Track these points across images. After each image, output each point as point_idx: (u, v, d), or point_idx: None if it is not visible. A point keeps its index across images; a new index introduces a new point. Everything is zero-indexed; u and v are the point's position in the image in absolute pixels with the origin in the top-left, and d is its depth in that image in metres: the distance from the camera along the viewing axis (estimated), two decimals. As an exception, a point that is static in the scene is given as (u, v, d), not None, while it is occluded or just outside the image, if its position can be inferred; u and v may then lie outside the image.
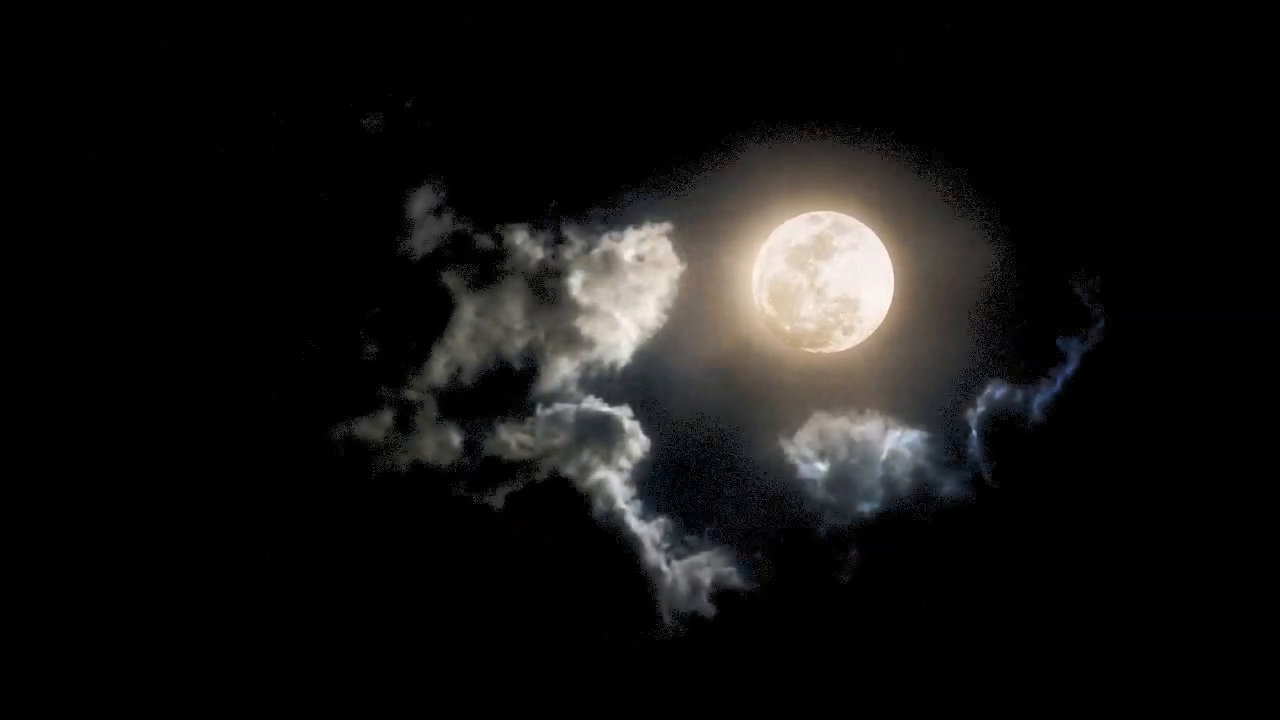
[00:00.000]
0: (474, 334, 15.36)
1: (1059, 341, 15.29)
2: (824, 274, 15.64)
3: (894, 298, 15.66)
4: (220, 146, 15.15)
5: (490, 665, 15.00)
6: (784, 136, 15.55)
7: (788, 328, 15.63)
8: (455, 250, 15.27)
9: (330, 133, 15.18)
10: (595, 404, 15.51)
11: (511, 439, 15.31)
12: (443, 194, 15.23)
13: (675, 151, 15.59)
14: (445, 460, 15.22)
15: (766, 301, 15.72)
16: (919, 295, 15.64)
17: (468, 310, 15.34)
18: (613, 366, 15.56)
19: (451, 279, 15.29)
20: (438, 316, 15.29)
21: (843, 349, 15.73)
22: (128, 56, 15.07)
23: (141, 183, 15.12)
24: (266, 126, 15.17)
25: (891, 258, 15.66)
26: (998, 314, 15.48)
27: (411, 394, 15.22)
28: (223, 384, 15.07)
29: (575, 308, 15.40)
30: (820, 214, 15.78)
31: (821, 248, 15.68)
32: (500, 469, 15.22)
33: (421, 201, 15.22)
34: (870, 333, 15.68)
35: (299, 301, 15.19)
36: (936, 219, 15.53)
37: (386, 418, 15.17)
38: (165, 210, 15.13)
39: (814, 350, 15.72)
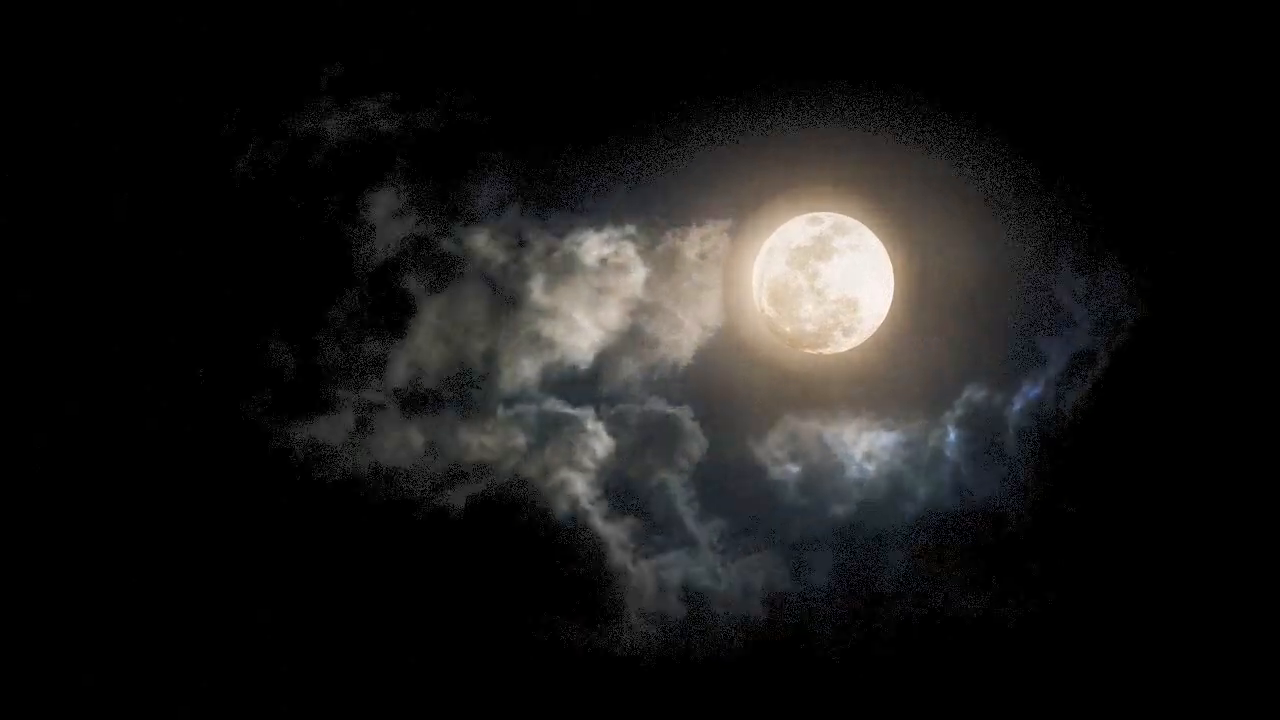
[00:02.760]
0: (435, 335, 15.42)
1: (1056, 342, 15.29)
2: (824, 275, 15.62)
3: (894, 299, 15.63)
4: (183, 152, 15.13)
5: (451, 668, 15.05)
6: (785, 137, 15.52)
7: (788, 329, 15.67)
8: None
9: (293, 135, 15.19)
10: (558, 405, 15.59)
11: (473, 440, 15.39)
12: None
13: (676, 151, 15.60)
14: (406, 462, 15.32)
15: (766, 302, 15.76)
16: (920, 296, 15.62)
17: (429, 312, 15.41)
18: (575, 367, 15.61)
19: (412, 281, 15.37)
20: (399, 318, 15.36)
21: (842, 350, 15.75)
22: (89, 64, 15.07)
23: (103, 185, 15.13)
24: (226, 132, 15.13)
25: (892, 259, 15.62)
26: (997, 315, 15.48)
27: (372, 396, 15.28)
28: (182, 387, 15.03)
29: (536, 308, 15.45)
30: (821, 215, 15.75)
31: (822, 249, 15.66)
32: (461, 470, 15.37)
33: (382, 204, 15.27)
34: (870, 334, 15.68)
35: (260, 303, 15.19)
36: (937, 220, 15.48)
37: (348, 419, 15.25)
38: (128, 213, 15.13)
39: (813, 351, 15.76)
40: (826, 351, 15.73)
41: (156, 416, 14.99)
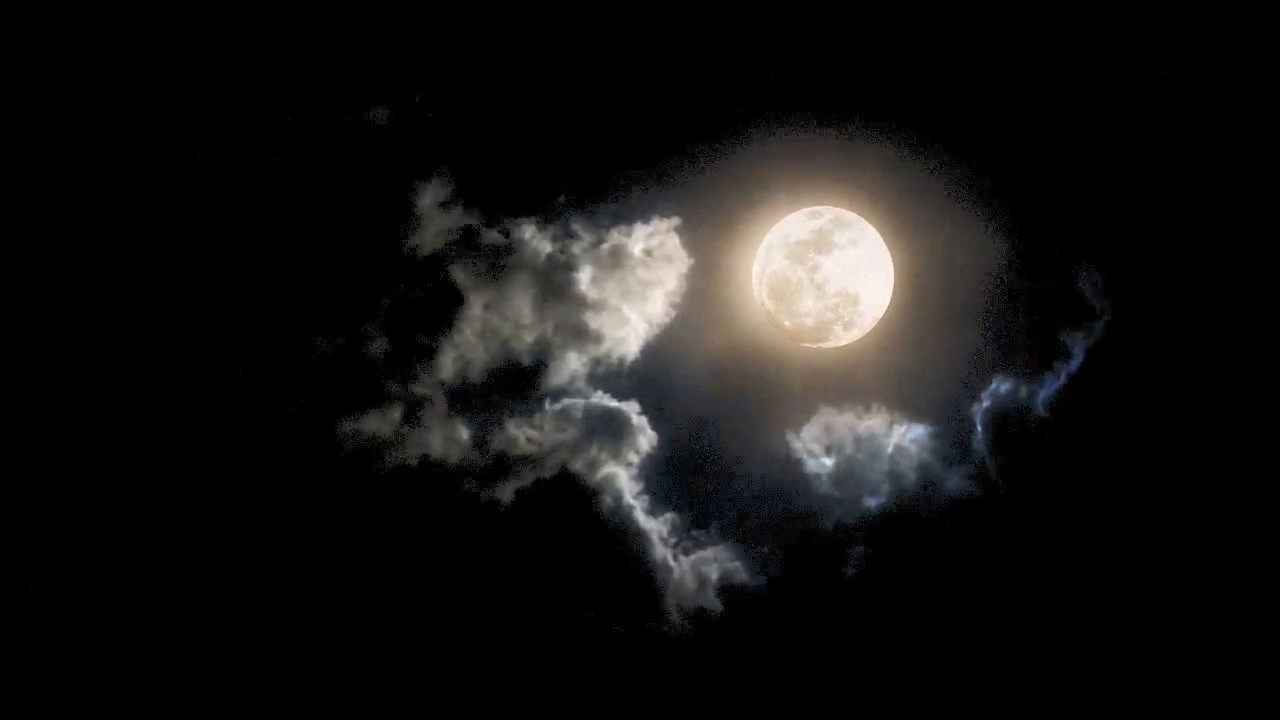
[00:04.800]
0: (483, 328, 15.53)
1: (1061, 336, 15.15)
2: (824, 269, 15.61)
3: (894, 293, 15.57)
4: (229, 142, 15.24)
5: (497, 661, 15.23)
6: (784, 131, 15.46)
7: (788, 323, 15.72)
8: (464, 244, 15.41)
9: (339, 126, 15.27)
10: (603, 399, 15.70)
11: (520, 434, 15.54)
12: (450, 187, 15.34)
13: (675, 147, 15.60)
14: (453, 455, 15.45)
15: (767, 297, 15.82)
16: (919, 290, 15.57)
17: (476, 305, 15.51)
18: (621, 361, 15.71)
19: (460, 273, 15.48)
20: (446, 311, 15.44)
21: (843, 344, 15.77)
22: (130, 54, 15.15)
23: (148, 180, 15.21)
24: (276, 121, 15.28)
25: (892, 253, 15.55)
26: (998, 309, 15.43)
27: (420, 389, 15.41)
28: (231, 380, 15.20)
29: (583, 302, 15.54)
30: (820, 209, 15.71)
31: (822, 243, 15.63)
32: (508, 464, 15.47)
33: (429, 195, 15.35)
34: (870, 328, 15.66)
35: (308, 296, 15.31)
36: (937, 214, 15.43)
37: (395, 412, 15.37)
38: (172, 207, 15.23)
39: (814, 345, 15.81)
40: (826, 345, 15.77)
41: (199, 411, 15.27)
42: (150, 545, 15.03)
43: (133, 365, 15.20)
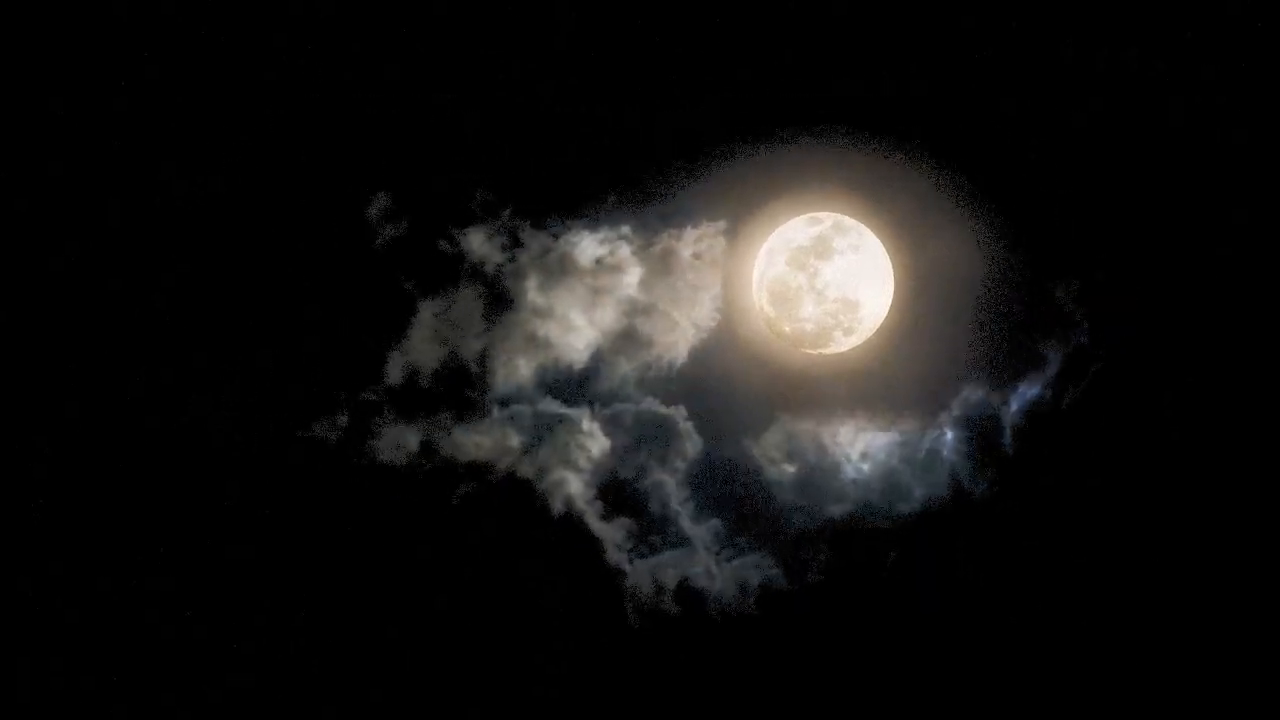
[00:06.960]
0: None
1: (1074, 340, 15.12)
2: (824, 275, 15.61)
3: (894, 299, 15.55)
4: (271, 144, 15.25)
5: (535, 667, 15.28)
6: (784, 138, 15.44)
7: (787, 329, 15.73)
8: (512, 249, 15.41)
9: (383, 127, 15.28)
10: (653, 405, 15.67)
11: (571, 439, 15.55)
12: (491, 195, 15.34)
13: (676, 151, 15.63)
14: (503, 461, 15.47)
15: (766, 302, 15.83)
16: (920, 296, 15.54)
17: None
18: (670, 366, 15.67)
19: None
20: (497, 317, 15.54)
21: (843, 350, 15.76)
22: (120, 57, 15.13)
23: (194, 182, 15.23)
24: (319, 122, 15.27)
25: (892, 259, 15.52)
26: (999, 315, 15.40)
27: (472, 393, 15.42)
28: (178, 385, 15.12)
29: (632, 306, 15.52)
30: (820, 215, 15.70)
31: (822, 249, 15.62)
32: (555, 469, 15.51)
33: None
34: (870, 334, 15.64)
35: (349, 304, 15.31)
36: (938, 220, 15.40)
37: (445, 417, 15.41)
38: (218, 211, 15.27)
39: (813, 351, 15.81)
40: (827, 351, 15.76)
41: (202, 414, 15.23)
42: (140, 544, 15.04)
43: (136, 364, 15.17)
